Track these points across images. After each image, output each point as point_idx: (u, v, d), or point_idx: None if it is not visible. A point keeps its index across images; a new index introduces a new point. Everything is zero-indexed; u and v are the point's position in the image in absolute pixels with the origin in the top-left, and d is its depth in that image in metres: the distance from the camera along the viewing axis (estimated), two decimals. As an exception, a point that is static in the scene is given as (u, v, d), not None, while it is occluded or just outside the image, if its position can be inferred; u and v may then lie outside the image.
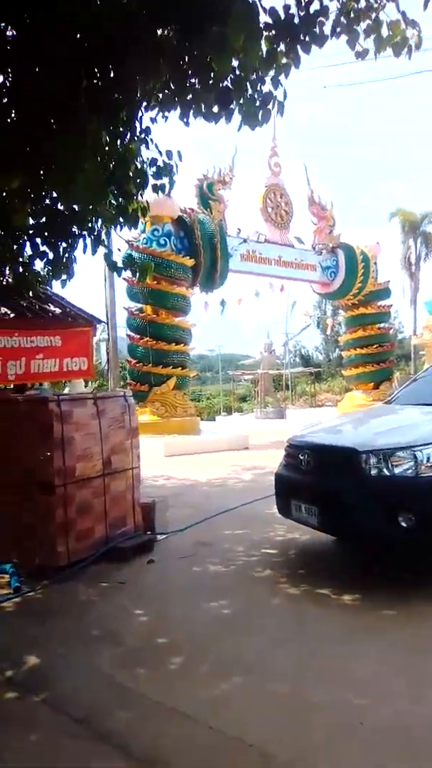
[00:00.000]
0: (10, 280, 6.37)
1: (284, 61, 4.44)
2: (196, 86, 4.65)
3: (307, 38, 4.27)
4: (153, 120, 5.30)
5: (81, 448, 5.48)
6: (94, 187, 5.06)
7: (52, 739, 2.95)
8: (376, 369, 21.08)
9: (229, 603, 4.50)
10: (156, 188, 5.70)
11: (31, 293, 7.22)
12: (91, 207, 5.46)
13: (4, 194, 5.08)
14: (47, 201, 5.66)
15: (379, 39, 4.43)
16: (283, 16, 4.17)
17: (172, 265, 15.50)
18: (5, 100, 4.47)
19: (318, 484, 4.97)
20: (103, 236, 5.90)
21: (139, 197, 5.89)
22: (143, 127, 5.47)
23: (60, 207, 5.68)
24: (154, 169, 5.61)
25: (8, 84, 4.47)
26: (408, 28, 4.36)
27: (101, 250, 5.83)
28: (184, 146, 5.60)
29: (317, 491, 4.97)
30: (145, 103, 5.21)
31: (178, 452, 13.14)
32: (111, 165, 5.31)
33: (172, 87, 4.77)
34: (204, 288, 17.12)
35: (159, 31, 4.13)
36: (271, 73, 4.55)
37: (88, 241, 5.68)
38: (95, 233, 5.73)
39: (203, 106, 4.75)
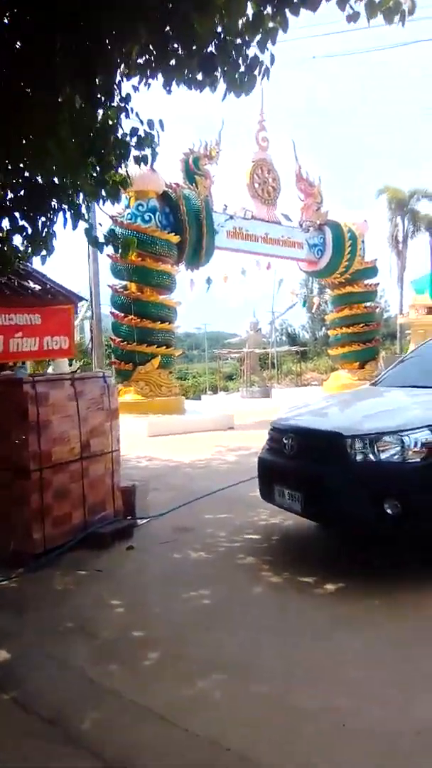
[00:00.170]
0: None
1: (271, 25, 4.19)
2: (179, 52, 4.42)
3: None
4: (135, 88, 5.06)
5: (58, 431, 5.28)
6: (70, 155, 4.83)
7: (19, 741, 2.80)
8: (362, 348, 20.94)
9: (209, 592, 4.37)
10: (138, 160, 5.47)
11: (9, 269, 6.95)
12: (70, 179, 5.24)
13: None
14: (26, 174, 5.43)
15: (371, 4, 4.19)
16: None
17: (156, 241, 15.17)
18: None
19: (302, 469, 4.83)
20: (84, 210, 5.67)
21: (121, 169, 5.68)
22: (123, 95, 5.24)
23: (39, 179, 5.45)
24: (135, 139, 5.39)
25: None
26: (401, -9, 4.12)
27: (82, 225, 5.61)
28: (170, 121, 5.34)
29: (301, 476, 4.82)
30: (125, 70, 4.98)
31: (162, 432, 12.97)
32: (90, 135, 5.09)
33: (153, 52, 4.53)
34: (189, 265, 16.81)
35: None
36: (258, 38, 4.30)
37: (69, 215, 5.46)
38: (76, 207, 5.50)
39: (186, 73, 4.53)
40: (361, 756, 2.56)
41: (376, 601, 4.08)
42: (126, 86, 5.06)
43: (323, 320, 27.61)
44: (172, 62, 4.46)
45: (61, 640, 3.73)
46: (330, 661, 3.36)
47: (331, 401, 6.02)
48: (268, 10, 4.14)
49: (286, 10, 4.07)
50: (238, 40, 4.31)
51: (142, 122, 5.32)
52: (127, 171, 5.64)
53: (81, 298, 10.12)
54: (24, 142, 4.74)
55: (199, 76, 4.49)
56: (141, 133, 5.32)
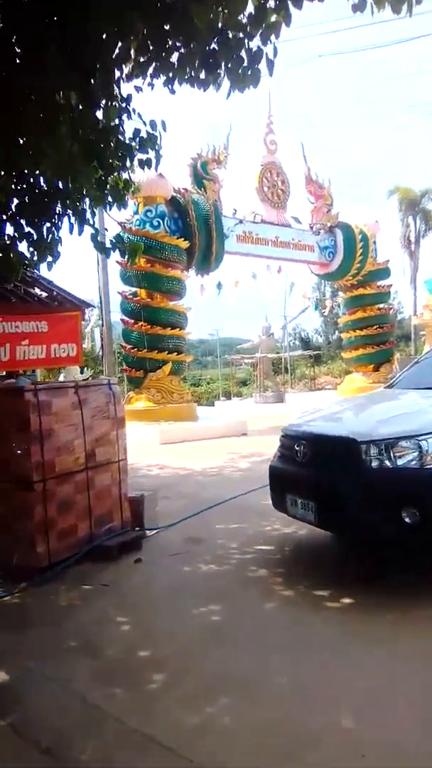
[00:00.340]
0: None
1: (273, 19, 4.03)
2: (180, 49, 4.28)
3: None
4: (138, 89, 4.94)
5: (61, 441, 5.12)
6: (68, 155, 4.71)
7: (14, 774, 2.62)
8: (376, 350, 20.68)
9: (219, 608, 4.17)
10: (142, 163, 5.35)
11: (15, 277, 6.84)
12: (73, 182, 5.11)
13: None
14: (31, 180, 5.33)
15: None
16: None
17: (166, 247, 15.05)
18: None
19: (314, 477, 4.62)
20: (89, 216, 5.54)
21: (125, 173, 5.55)
22: (125, 95, 5.11)
23: (42, 184, 5.35)
24: (137, 141, 5.27)
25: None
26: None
27: (88, 230, 5.49)
28: (178, 127, 5.19)
29: (314, 485, 4.62)
30: (125, 68, 4.86)
31: (174, 440, 12.81)
32: (90, 137, 4.97)
33: (153, 49, 4.40)
34: (199, 271, 16.68)
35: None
36: (260, 32, 4.14)
37: (74, 220, 5.34)
38: (80, 212, 5.38)
39: (189, 71, 4.39)
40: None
41: (392, 615, 3.86)
42: (128, 87, 4.98)
43: (336, 323, 27.33)
44: (174, 60, 4.33)
45: (64, 659, 3.55)
46: (343, 681, 3.15)
47: (344, 405, 5.81)
48: (270, 3, 3.99)
49: (289, 3, 3.91)
50: (240, 34, 4.15)
51: (144, 123, 5.20)
52: (129, 174, 5.52)
53: (88, 305, 10.01)
54: (21, 141, 4.62)
55: (203, 75, 4.36)
56: (143, 134, 5.20)
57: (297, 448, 4.79)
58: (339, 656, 3.42)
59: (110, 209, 6.24)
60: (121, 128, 5.24)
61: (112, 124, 5.20)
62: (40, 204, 5.32)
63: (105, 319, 15.86)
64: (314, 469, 4.65)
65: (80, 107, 4.43)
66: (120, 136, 5.15)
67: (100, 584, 4.70)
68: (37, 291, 9.01)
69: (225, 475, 9.19)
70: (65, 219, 5.42)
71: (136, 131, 5.17)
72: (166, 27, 4.11)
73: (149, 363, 15.13)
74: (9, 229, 5.52)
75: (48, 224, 5.53)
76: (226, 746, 2.67)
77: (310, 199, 19.85)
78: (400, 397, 5.58)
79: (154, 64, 4.46)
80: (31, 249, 5.65)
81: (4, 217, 5.54)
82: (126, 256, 6.29)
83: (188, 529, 6.08)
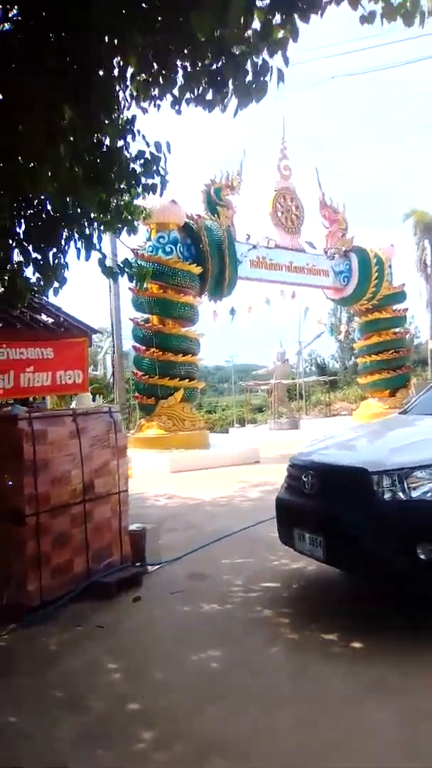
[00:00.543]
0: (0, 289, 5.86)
1: (280, 35, 3.85)
2: (187, 68, 4.13)
3: (304, 6, 3.69)
4: (144, 110, 4.80)
5: (57, 472, 4.87)
6: (70, 176, 4.57)
7: None
8: (393, 375, 20.28)
9: (219, 654, 3.85)
10: (147, 188, 5.21)
11: (21, 302, 6.68)
12: (76, 205, 4.98)
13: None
14: (36, 203, 5.21)
15: (389, 6, 3.84)
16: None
17: (178, 273, 14.92)
18: None
19: (323, 511, 4.32)
20: (95, 240, 5.40)
21: (129, 196, 5.42)
22: (129, 116, 4.98)
23: (49, 209, 5.23)
24: (141, 162, 5.13)
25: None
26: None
27: (96, 256, 5.34)
28: (191, 154, 5.06)
29: (322, 518, 4.31)
30: (129, 88, 4.73)
31: (185, 468, 12.49)
32: (95, 158, 4.84)
33: (155, 66, 4.25)
34: (212, 296, 16.50)
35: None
36: (266, 49, 3.97)
37: (80, 245, 5.20)
38: (87, 237, 5.24)
39: (195, 90, 4.24)
40: None
41: (409, 663, 3.53)
42: (132, 109, 4.85)
43: (352, 348, 27.01)
44: (179, 78, 4.19)
45: (46, 714, 3.25)
46: (354, 741, 2.82)
47: (356, 433, 5.50)
48: (277, 18, 3.81)
49: (296, 16, 3.73)
50: (245, 48, 3.97)
51: (148, 144, 5.06)
52: (138, 199, 5.38)
53: (95, 331, 9.83)
54: (20, 161, 4.48)
55: (209, 95, 4.21)
56: (147, 155, 5.06)
57: (305, 479, 4.49)
58: (350, 712, 3.09)
59: (120, 235, 6.11)
60: (125, 150, 5.11)
61: (118, 145, 5.08)
62: (47, 228, 5.19)
63: (116, 345, 15.70)
64: (323, 502, 4.34)
65: (79, 126, 4.30)
66: (125, 159, 5.03)
67: (94, 625, 4.40)
68: (44, 317, 8.85)
69: (234, 505, 8.87)
70: (72, 244, 5.30)
71: (140, 153, 5.04)
72: (170, 46, 3.98)
73: (161, 390, 14.89)
74: (16, 256, 5.41)
75: (54, 249, 5.40)
76: None
77: (325, 224, 19.68)
78: (414, 424, 5.27)
79: (159, 84, 4.33)
80: (37, 275, 5.53)
81: (11, 242, 5.41)
82: (134, 281, 6.13)
83: (192, 564, 5.77)
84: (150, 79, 4.32)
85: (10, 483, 4.60)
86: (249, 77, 3.98)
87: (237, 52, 3.93)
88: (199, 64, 4.06)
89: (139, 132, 5.00)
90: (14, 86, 3.99)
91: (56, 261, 5.40)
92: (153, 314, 15.22)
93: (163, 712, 3.20)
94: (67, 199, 4.88)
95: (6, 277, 5.64)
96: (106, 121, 4.68)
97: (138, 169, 5.08)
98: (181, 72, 4.17)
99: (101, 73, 4.19)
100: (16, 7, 3.99)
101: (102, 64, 4.14)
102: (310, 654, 3.77)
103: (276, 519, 4.94)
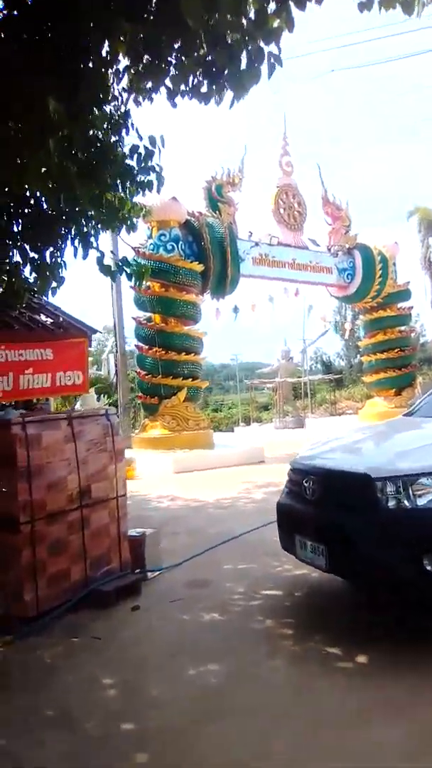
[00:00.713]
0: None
1: (276, 24, 3.71)
2: (181, 58, 4.00)
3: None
4: (138, 104, 4.69)
5: (52, 477, 4.74)
6: (60, 173, 4.45)
7: None
8: (398, 374, 20.08)
9: (218, 668, 3.72)
10: (143, 185, 5.08)
11: (19, 303, 6.56)
12: (73, 203, 4.86)
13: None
14: (32, 201, 5.10)
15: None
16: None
17: (180, 271, 14.77)
18: None
19: (325, 518, 4.17)
20: (93, 239, 5.28)
21: (126, 193, 5.30)
22: (123, 110, 4.87)
23: (45, 206, 5.12)
24: (136, 157, 5.00)
25: None
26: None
27: (94, 254, 5.22)
28: (192, 151, 4.93)
29: (324, 526, 4.17)
30: (122, 83, 4.62)
31: (189, 468, 12.37)
32: (88, 155, 4.72)
33: (148, 58, 4.12)
34: (215, 294, 16.36)
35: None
36: (261, 37, 3.83)
37: (78, 243, 5.10)
38: (84, 235, 5.12)
39: (190, 81, 4.11)
40: None
41: (417, 678, 3.38)
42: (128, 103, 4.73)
43: (358, 347, 26.79)
44: (172, 69, 4.06)
45: (37, 733, 3.12)
46: (360, 763, 2.68)
47: (359, 436, 5.34)
48: (272, 5, 3.68)
49: (291, 4, 3.59)
50: (239, 36, 3.84)
51: (141, 138, 4.93)
52: (131, 196, 5.25)
53: (95, 331, 9.66)
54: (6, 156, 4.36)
55: (204, 88, 4.08)
56: (141, 150, 4.93)
57: (305, 485, 4.35)
58: (355, 730, 2.95)
59: (119, 233, 5.95)
60: (119, 146, 4.99)
61: (112, 140, 4.96)
62: (43, 227, 5.09)
63: (119, 344, 15.57)
64: (324, 509, 4.20)
65: (69, 119, 4.16)
66: (120, 155, 4.91)
67: (91, 636, 4.27)
68: (42, 317, 8.70)
69: (238, 507, 8.73)
70: (68, 242, 5.19)
71: (134, 147, 4.91)
72: (161, 35, 3.84)
73: (164, 389, 14.77)
74: (13, 255, 5.31)
75: (51, 248, 5.29)
76: None
77: (328, 221, 19.49)
78: (421, 426, 5.12)
79: (151, 75, 4.20)
80: (34, 274, 5.43)
81: (9, 242, 5.30)
82: (133, 279, 6.02)
83: (193, 570, 5.64)
84: (143, 71, 4.20)
85: (4, 489, 4.47)
86: (243, 66, 3.86)
87: (231, 41, 3.81)
88: (193, 54, 3.93)
89: (133, 125, 4.89)
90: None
91: (53, 260, 5.30)
92: (155, 313, 15.10)
93: (158, 731, 3.07)
94: (61, 197, 4.77)
95: (4, 278, 5.53)
96: (98, 114, 4.57)
97: (133, 166, 4.97)
98: (174, 62, 4.04)
99: (90, 64, 4.06)
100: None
101: (90, 54, 4.01)
102: (312, 668, 3.63)
103: (277, 525, 4.80)
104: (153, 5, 3.74)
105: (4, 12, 3.84)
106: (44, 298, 8.76)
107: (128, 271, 5.83)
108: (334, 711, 3.16)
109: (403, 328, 20.89)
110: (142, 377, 15.35)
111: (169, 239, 14.95)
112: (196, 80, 4.06)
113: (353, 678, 3.48)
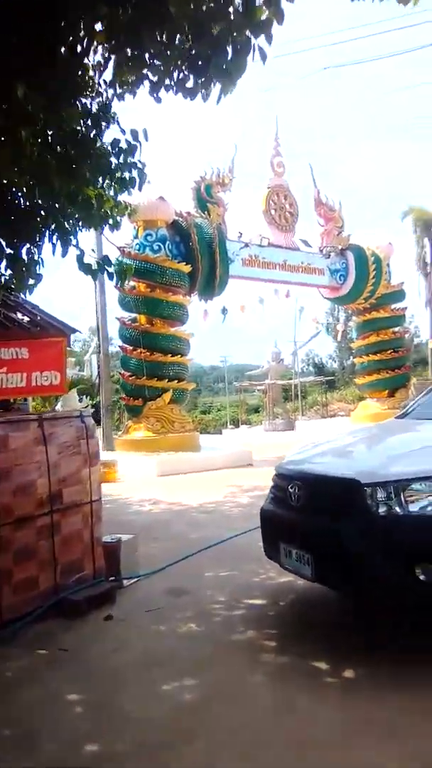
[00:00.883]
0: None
1: (264, 16, 3.49)
2: (166, 51, 3.77)
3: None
4: (120, 98, 4.48)
5: (21, 481, 4.47)
6: (36, 165, 4.23)
7: None
8: (392, 376, 19.92)
9: (195, 683, 3.46)
10: (123, 182, 4.84)
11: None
12: (49, 198, 4.62)
13: None
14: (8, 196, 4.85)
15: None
16: None
17: (166, 271, 14.51)
18: None
19: (311, 525, 3.92)
20: (72, 236, 5.03)
21: (106, 189, 5.06)
22: (103, 104, 4.63)
23: (22, 202, 4.87)
24: (117, 152, 4.76)
25: None
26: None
27: (74, 252, 4.98)
28: (181, 151, 4.71)
29: (310, 534, 3.91)
30: (103, 75, 4.39)
31: (173, 471, 12.11)
32: (68, 148, 4.48)
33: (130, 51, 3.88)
34: (203, 295, 16.11)
35: None
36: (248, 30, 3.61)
37: (56, 240, 4.84)
38: (64, 232, 4.87)
39: (175, 75, 3.90)
40: None
41: (406, 695, 3.14)
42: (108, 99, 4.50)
43: (350, 348, 26.63)
44: (155, 61, 3.83)
45: (-8, 758, 2.85)
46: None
47: (348, 439, 5.08)
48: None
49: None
50: (225, 27, 3.62)
51: (123, 132, 4.69)
52: (115, 194, 5.02)
53: (74, 330, 9.35)
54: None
55: (190, 83, 3.86)
56: (123, 144, 4.69)
57: (291, 490, 4.09)
58: (340, 751, 2.73)
59: (102, 231, 5.68)
60: (99, 139, 4.74)
61: (92, 135, 4.71)
62: (19, 222, 4.83)
63: (102, 345, 15.28)
64: (310, 516, 3.95)
65: (42, 108, 3.94)
66: (101, 149, 4.67)
67: (58, 648, 4.00)
68: (19, 316, 8.42)
69: (223, 512, 8.47)
70: (46, 239, 4.94)
71: (116, 141, 4.67)
72: (142, 23, 3.60)
73: (149, 391, 14.49)
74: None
75: (28, 244, 5.04)
76: None
77: (320, 222, 19.31)
78: (414, 429, 4.87)
79: (132, 66, 3.96)
80: (8, 271, 5.17)
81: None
82: (114, 279, 5.77)
83: (172, 578, 5.37)
84: (124, 62, 3.96)
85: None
86: (229, 57, 3.65)
87: (215, 32, 3.58)
88: (177, 46, 3.71)
89: (114, 117, 4.65)
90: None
91: (30, 256, 5.05)
92: (140, 313, 14.85)
93: (125, 754, 2.80)
94: (36, 191, 4.54)
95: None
96: (76, 105, 4.35)
97: (114, 161, 4.73)
98: (157, 54, 3.81)
99: (64, 49, 3.81)
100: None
101: (66, 37, 3.76)
102: (295, 683, 3.37)
103: (261, 532, 4.55)
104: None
105: None
106: (22, 296, 8.50)
107: (110, 270, 5.58)
108: (318, 731, 2.92)
109: (396, 329, 20.77)
110: (126, 378, 15.06)
111: (155, 239, 14.70)
112: (181, 74, 3.85)
113: (338, 695, 3.23)
